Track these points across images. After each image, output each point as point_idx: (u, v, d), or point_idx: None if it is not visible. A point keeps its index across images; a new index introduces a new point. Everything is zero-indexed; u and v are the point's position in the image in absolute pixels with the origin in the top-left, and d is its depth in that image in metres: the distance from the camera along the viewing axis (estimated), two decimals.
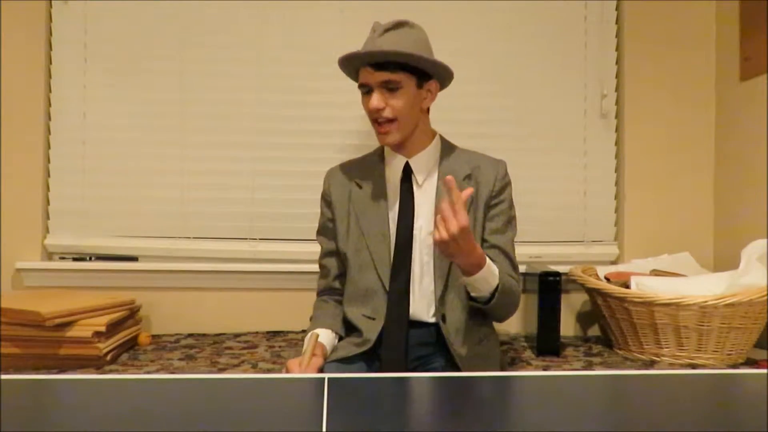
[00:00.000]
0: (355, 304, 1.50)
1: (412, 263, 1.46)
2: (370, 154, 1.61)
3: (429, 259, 1.47)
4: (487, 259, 1.36)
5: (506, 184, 1.53)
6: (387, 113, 1.43)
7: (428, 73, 1.47)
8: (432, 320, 1.47)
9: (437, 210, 1.43)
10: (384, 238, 1.47)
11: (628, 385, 0.99)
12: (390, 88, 1.42)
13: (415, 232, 1.47)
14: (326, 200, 1.58)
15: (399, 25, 1.45)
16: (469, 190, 1.26)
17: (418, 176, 1.50)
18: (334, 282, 1.57)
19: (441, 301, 1.45)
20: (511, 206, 1.55)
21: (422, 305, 1.47)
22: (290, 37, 2.12)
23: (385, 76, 1.41)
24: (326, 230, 1.58)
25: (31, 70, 2.04)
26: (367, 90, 1.45)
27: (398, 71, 1.41)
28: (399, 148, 1.51)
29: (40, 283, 2.03)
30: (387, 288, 1.45)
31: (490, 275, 1.36)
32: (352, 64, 1.48)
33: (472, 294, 1.40)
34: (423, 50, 1.44)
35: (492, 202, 1.50)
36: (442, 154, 1.53)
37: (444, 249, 1.27)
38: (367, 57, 1.42)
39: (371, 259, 1.47)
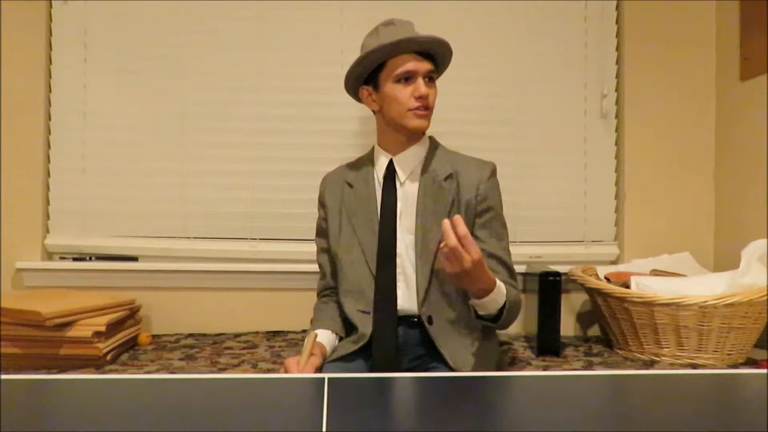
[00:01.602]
0: (349, 299, 1.51)
1: (398, 258, 1.48)
2: (363, 156, 1.63)
3: (412, 257, 1.48)
4: (496, 280, 1.36)
5: (491, 188, 1.51)
6: (429, 101, 1.47)
7: None
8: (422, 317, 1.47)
9: (419, 213, 1.47)
10: (374, 235, 1.50)
11: (628, 385, 0.99)
12: (431, 78, 1.49)
13: (398, 229, 1.49)
14: (321, 202, 1.62)
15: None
16: (457, 218, 1.25)
17: (400, 174, 1.51)
18: (331, 280, 1.60)
19: (425, 302, 1.45)
20: (501, 210, 1.54)
21: (412, 300, 1.47)
22: (290, 37, 2.12)
23: (431, 66, 1.48)
24: (322, 231, 1.61)
25: (31, 70, 2.04)
26: (405, 78, 1.46)
27: (434, 66, 1.50)
28: (390, 146, 1.53)
29: (40, 283, 2.03)
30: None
31: (499, 296, 1.36)
32: (390, 50, 1.45)
33: (480, 313, 1.40)
34: None
35: (479, 208, 1.49)
36: (428, 154, 1.54)
37: (457, 281, 1.32)
38: (428, 44, 1.46)
39: (362, 254, 1.50)
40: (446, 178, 1.49)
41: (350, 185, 1.56)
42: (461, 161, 1.53)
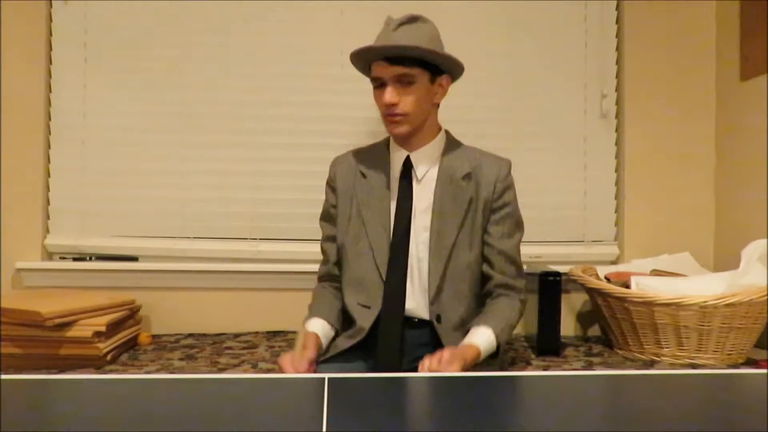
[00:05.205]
0: (350, 292, 1.50)
1: (409, 257, 1.47)
2: (377, 143, 1.60)
3: (425, 255, 1.47)
4: (480, 340, 1.35)
5: (508, 186, 1.52)
6: (400, 108, 1.42)
7: (440, 68, 1.47)
8: (428, 318, 1.47)
9: (435, 210, 1.46)
10: (384, 230, 1.48)
11: (628, 385, 0.99)
12: (404, 82, 1.42)
13: (413, 227, 1.47)
14: (331, 186, 1.58)
15: (413, 19, 1.45)
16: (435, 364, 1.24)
17: (417, 171, 1.49)
18: (333, 268, 1.58)
19: (435, 301, 1.45)
20: (516, 207, 1.54)
21: (419, 300, 1.47)
22: (290, 37, 2.12)
23: (400, 70, 1.41)
24: (329, 216, 1.58)
25: (31, 70, 2.04)
26: (379, 84, 1.44)
27: (413, 66, 1.42)
28: (404, 141, 1.50)
29: (40, 283, 2.03)
30: (384, 278, 1.46)
31: (489, 349, 1.37)
32: (364, 58, 1.48)
33: None
34: (436, 45, 1.45)
35: (494, 205, 1.49)
36: (444, 150, 1.52)
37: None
38: (383, 51, 1.41)
39: (370, 248, 1.48)
40: (464, 177, 1.48)
41: (364, 175, 1.53)
42: (479, 158, 1.52)
